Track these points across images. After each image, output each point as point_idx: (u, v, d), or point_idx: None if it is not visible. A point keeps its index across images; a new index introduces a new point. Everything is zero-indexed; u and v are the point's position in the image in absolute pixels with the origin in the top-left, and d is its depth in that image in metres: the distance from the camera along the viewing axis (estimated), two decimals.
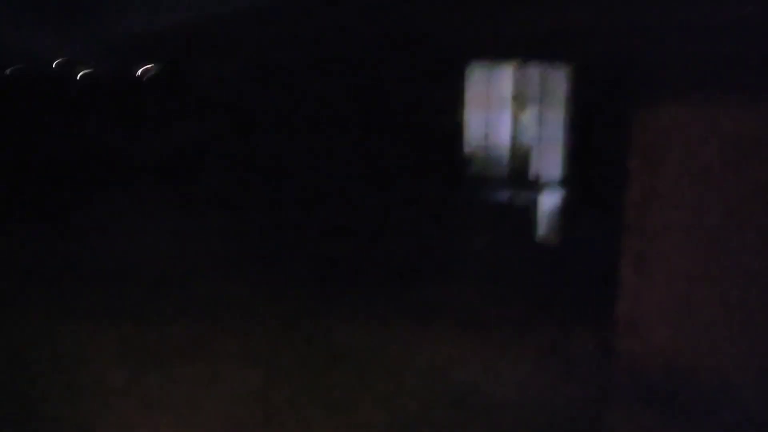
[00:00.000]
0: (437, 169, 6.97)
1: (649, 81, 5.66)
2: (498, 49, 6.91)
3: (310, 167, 6.59)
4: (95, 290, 5.84)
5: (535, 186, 7.56)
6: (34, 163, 9.50)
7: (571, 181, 7.27)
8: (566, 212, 7.28)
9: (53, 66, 17.15)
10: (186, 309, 5.45)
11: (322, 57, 6.40)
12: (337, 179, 6.72)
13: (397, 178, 6.81)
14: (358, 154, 6.67)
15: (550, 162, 7.41)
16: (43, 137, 10.00)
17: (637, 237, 3.54)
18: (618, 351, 3.66)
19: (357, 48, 6.34)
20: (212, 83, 7.01)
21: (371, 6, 6.67)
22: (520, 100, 7.29)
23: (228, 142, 6.67)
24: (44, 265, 6.50)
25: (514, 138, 7.41)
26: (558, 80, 7.19)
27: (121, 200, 8.80)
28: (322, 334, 5.01)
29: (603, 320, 3.96)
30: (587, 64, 6.82)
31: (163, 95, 8.96)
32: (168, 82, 9.05)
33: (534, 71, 7.20)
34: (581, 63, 6.91)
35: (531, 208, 7.50)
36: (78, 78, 16.51)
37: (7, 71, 14.70)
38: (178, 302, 5.60)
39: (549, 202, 7.46)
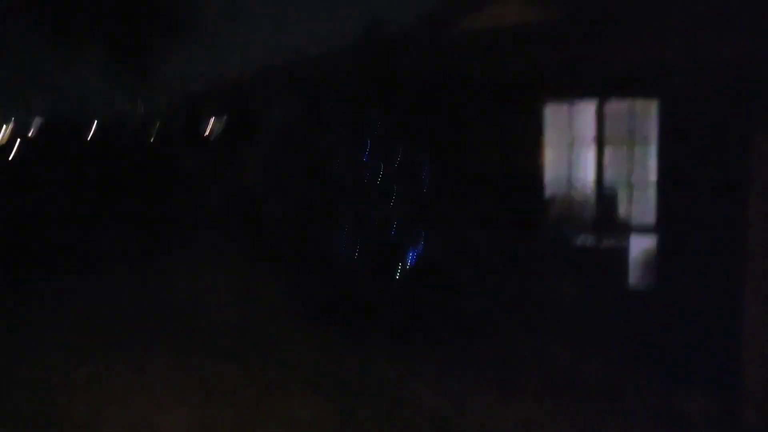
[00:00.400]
0: (517, 214, 6.50)
1: (750, 114, 5.13)
2: (580, 86, 6.48)
3: (380, 216, 6.23)
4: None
5: (625, 231, 7.00)
6: (113, 214, 9.69)
7: (664, 224, 6.67)
8: (662, 258, 6.66)
9: (125, 123, 17.87)
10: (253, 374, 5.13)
11: (391, 99, 6.11)
12: (409, 227, 6.33)
13: (475, 225, 6.37)
14: (433, 199, 6.28)
15: (640, 204, 6.85)
16: (119, 190, 10.25)
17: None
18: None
19: (430, 88, 6.03)
20: (279, 132, 6.82)
21: (444, 45, 6.40)
22: (605, 139, 6.79)
23: (296, 191, 6.40)
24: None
25: (600, 179, 6.89)
26: (646, 117, 6.68)
27: (189, 251, 8.81)
28: (407, 396, 4.59)
29: (717, 376, 3.49)
30: (678, 99, 6.30)
31: (230, 146, 8.94)
32: (235, 133, 9.03)
33: (620, 108, 6.72)
34: (671, 98, 6.40)
35: (621, 255, 6.94)
36: (149, 133, 17.13)
37: (79, 128, 15.36)
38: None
39: (641, 247, 6.88)
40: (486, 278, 6.22)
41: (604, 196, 6.92)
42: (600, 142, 6.79)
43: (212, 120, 10.09)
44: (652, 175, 6.60)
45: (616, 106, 6.66)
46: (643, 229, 6.76)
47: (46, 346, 5.82)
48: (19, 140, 17.61)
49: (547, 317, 6.16)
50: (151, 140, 15.08)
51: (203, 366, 5.25)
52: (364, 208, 6.22)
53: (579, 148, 6.89)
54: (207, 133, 12.57)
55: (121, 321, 6.45)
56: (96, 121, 14.10)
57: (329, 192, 6.38)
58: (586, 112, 6.77)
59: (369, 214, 6.18)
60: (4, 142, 18.48)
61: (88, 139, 13.79)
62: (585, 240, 7.02)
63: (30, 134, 18.49)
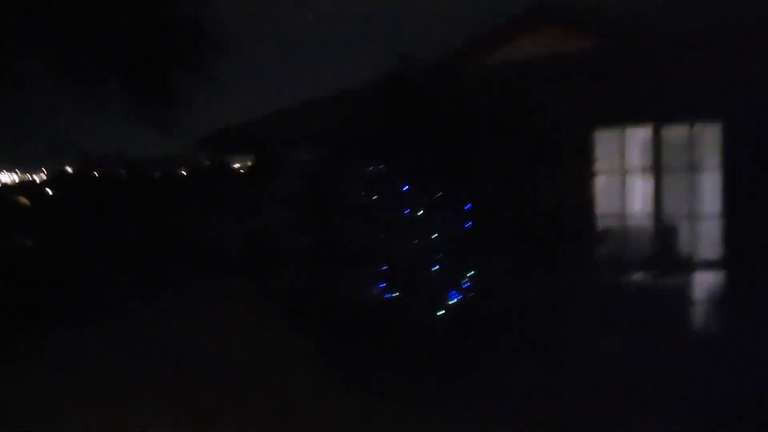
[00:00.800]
0: (568, 249, 5.91)
1: None
2: (633, 112, 5.96)
3: (417, 260, 5.71)
4: None
5: (686, 267, 6.36)
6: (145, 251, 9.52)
7: (729, 259, 6.02)
8: (731, 299, 5.99)
9: (153, 163, 17.91)
10: None
11: (426, 136, 5.65)
12: (449, 269, 5.79)
13: (520, 266, 5.79)
14: (477, 234, 5.74)
15: (701, 237, 6.21)
16: (147, 229, 10.16)
17: None
18: None
19: (467, 123, 5.56)
20: (307, 171, 6.41)
21: (482, 77, 5.97)
22: (661, 168, 6.21)
23: (324, 232, 5.94)
24: None
25: (658, 211, 6.29)
26: (706, 143, 6.10)
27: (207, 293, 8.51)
28: None
29: None
30: (740, 123, 5.72)
31: (259, 185, 8.65)
32: (263, 172, 8.71)
33: (678, 134, 6.15)
34: (734, 122, 5.83)
35: (682, 294, 6.29)
36: (178, 173, 17.14)
37: (111, 169, 15.43)
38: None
39: (704, 285, 6.22)
40: (534, 328, 5.61)
41: (664, 230, 6.31)
42: (657, 171, 6.21)
43: (238, 159, 9.90)
44: (717, 206, 5.98)
45: (674, 132, 6.09)
46: (709, 266, 6.12)
47: None
48: (50, 184, 17.82)
49: (605, 371, 5.51)
50: (178, 180, 15.06)
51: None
52: (400, 251, 5.72)
53: (634, 179, 6.33)
54: (233, 171, 12.42)
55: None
56: (122, 164, 14.10)
57: (359, 232, 5.90)
58: (641, 139, 6.22)
59: (405, 258, 5.67)
60: (40, 188, 18.77)
61: (115, 180, 13.83)
62: (643, 279, 6.40)
63: (61, 178, 18.68)
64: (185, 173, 15.05)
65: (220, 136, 9.20)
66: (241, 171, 10.62)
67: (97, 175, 15.20)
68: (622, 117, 6.18)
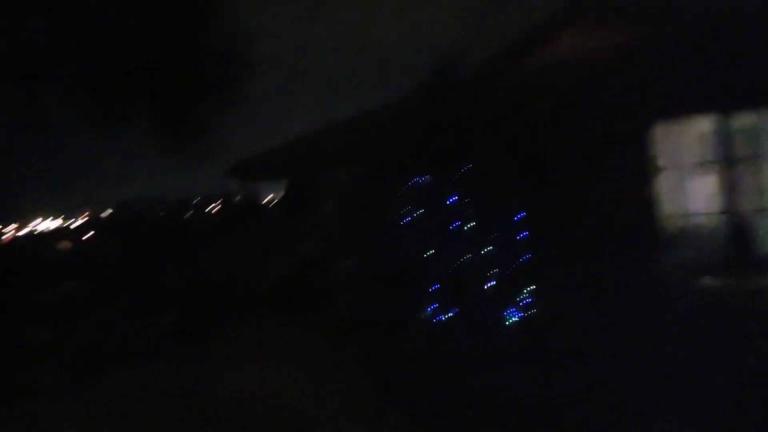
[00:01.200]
0: (632, 250, 5.44)
1: None
2: (700, 103, 5.50)
3: (476, 272, 5.31)
4: None
5: (760, 268, 5.81)
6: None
7: None
8: None
9: (189, 204, 17.89)
10: None
11: (475, 142, 5.29)
12: (509, 284, 5.36)
13: (583, 276, 5.33)
14: (533, 253, 5.32)
15: None
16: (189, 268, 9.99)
17: None
18: None
19: (518, 126, 5.19)
20: (349, 190, 6.08)
21: (531, 77, 5.61)
22: (731, 163, 5.71)
23: (373, 255, 5.57)
24: None
25: (728, 208, 5.77)
26: None
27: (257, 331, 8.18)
28: None
29: None
30: None
31: (297, 211, 8.35)
32: (300, 197, 8.43)
33: (748, 125, 5.67)
34: None
35: (755, 299, 5.72)
36: (210, 212, 17.09)
37: (150, 213, 15.47)
38: None
39: None
40: (605, 340, 5.11)
41: (736, 228, 5.78)
42: (728, 164, 5.70)
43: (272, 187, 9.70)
44: None
45: (744, 122, 5.60)
46: None
47: None
48: (89, 229, 17.95)
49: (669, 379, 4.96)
50: (215, 217, 14.97)
51: None
52: (452, 268, 5.32)
53: (701, 173, 5.84)
54: (268, 201, 12.20)
55: None
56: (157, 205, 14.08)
57: (408, 250, 5.51)
58: (705, 131, 5.74)
59: (458, 275, 5.26)
60: (79, 230, 18.95)
61: (154, 220, 13.82)
62: (715, 282, 5.86)
63: (98, 222, 18.82)
64: (221, 210, 15.02)
65: (254, 162, 8.92)
66: (277, 199, 10.43)
67: (133, 217, 15.25)
68: (688, 108, 5.71)
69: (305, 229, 7.42)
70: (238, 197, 12.01)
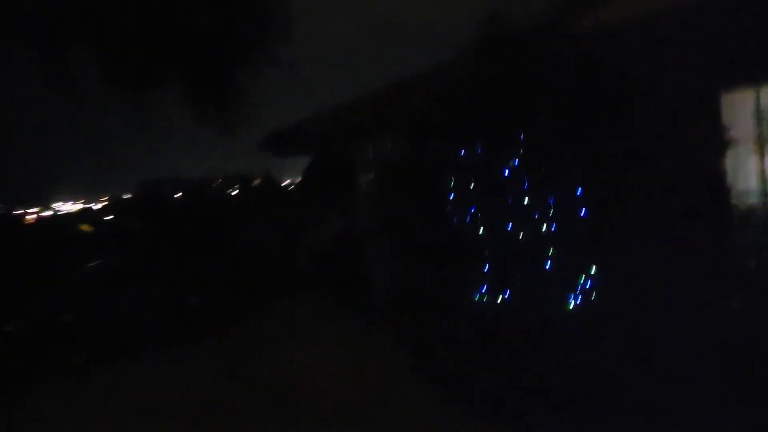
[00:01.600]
0: (700, 228, 4.96)
1: None
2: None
3: (532, 251, 4.87)
4: None
5: None
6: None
7: None
8: None
9: (211, 185, 17.64)
10: None
11: (532, 107, 4.83)
12: (571, 260, 4.92)
13: (650, 246, 4.87)
14: (597, 222, 4.87)
15: None
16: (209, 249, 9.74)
17: None
18: None
19: (584, 89, 4.71)
20: (392, 162, 5.65)
21: (591, 35, 5.10)
22: None
23: (421, 230, 5.16)
24: None
25: None
26: None
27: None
28: None
29: None
30: None
31: (328, 188, 7.96)
32: (331, 174, 8.02)
33: None
34: None
35: None
36: (234, 192, 16.83)
37: (173, 191, 15.25)
38: None
39: None
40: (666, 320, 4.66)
41: None
42: None
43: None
44: None
45: None
46: None
47: None
48: (111, 210, 17.81)
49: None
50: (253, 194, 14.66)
51: None
52: (509, 248, 4.89)
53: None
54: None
55: None
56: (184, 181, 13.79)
57: (458, 226, 5.09)
58: None
59: (515, 257, 4.83)
60: (103, 211, 18.84)
61: (178, 198, 13.56)
62: None
63: (121, 203, 18.67)
64: (252, 188, 14.75)
65: (287, 132, 8.38)
66: (311, 173, 10.05)
67: (156, 198, 15.04)
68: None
69: (343, 204, 7.01)
70: (264, 175, 11.71)
